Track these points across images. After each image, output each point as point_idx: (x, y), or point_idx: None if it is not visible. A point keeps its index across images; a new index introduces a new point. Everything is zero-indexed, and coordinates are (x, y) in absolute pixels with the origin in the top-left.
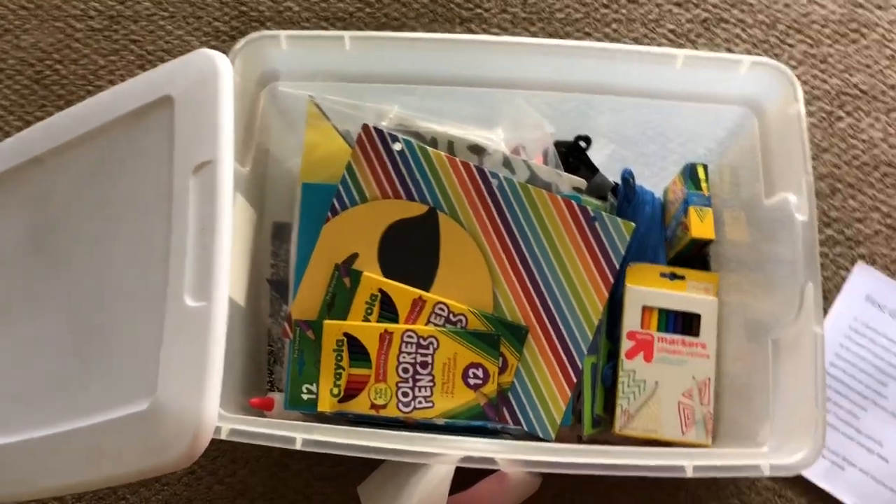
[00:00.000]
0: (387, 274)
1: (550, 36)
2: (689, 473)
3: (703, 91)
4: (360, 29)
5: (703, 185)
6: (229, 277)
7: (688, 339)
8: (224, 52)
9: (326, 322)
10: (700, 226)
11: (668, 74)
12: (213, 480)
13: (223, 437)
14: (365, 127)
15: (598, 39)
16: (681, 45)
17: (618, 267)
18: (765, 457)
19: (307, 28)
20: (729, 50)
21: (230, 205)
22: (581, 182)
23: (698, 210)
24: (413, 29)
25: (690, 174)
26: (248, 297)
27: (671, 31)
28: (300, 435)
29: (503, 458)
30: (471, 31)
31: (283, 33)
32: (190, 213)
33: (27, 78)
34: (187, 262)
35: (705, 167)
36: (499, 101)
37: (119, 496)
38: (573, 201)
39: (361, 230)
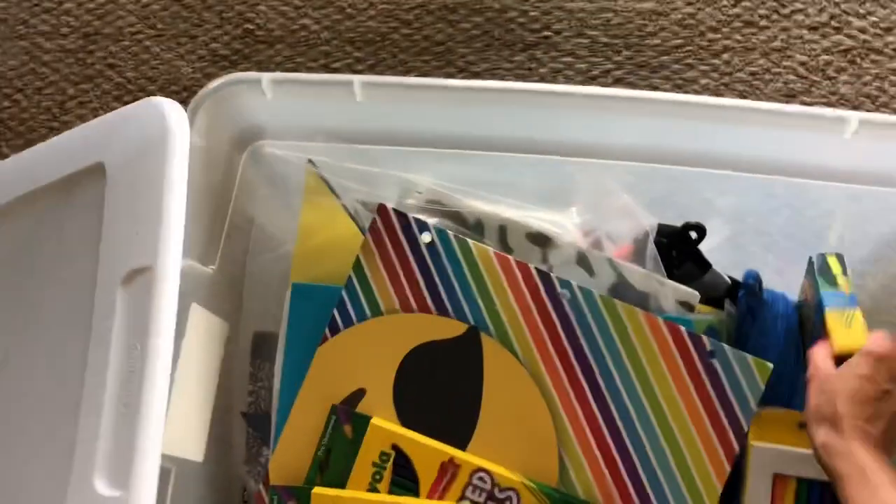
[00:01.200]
0: (405, 422)
1: (639, 67)
2: None
3: (878, 170)
4: (393, 56)
5: (841, 280)
6: (158, 457)
7: None
8: (175, 102)
9: (316, 491)
10: (846, 334)
11: (830, 146)
12: None
13: None
14: (381, 208)
15: (704, 73)
16: (814, 83)
17: (745, 428)
18: None
19: (328, 52)
20: (881, 90)
21: (170, 338)
22: (693, 295)
23: (839, 314)
24: (462, 56)
25: (820, 269)
26: (216, 438)
27: (802, 64)
28: None
29: None
30: (535, 60)
31: (265, 76)
32: (112, 345)
33: None
34: (103, 427)
35: (840, 258)
36: (573, 173)
37: None
38: (681, 327)
39: (372, 356)
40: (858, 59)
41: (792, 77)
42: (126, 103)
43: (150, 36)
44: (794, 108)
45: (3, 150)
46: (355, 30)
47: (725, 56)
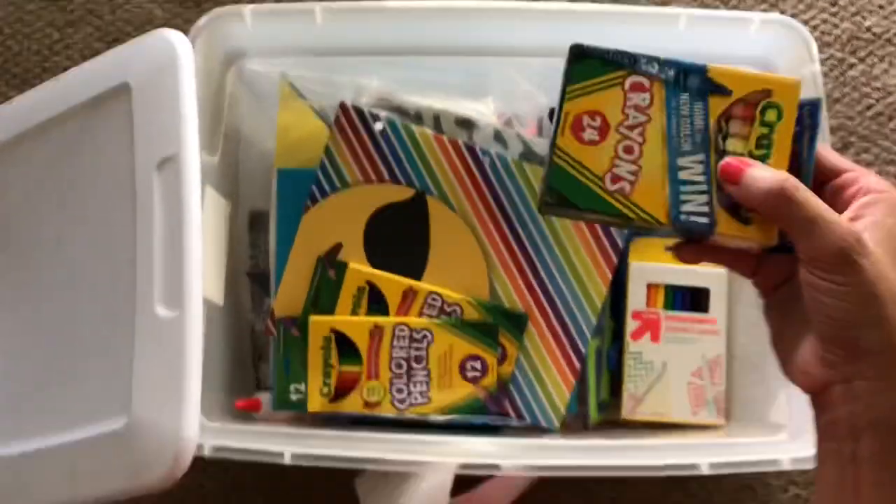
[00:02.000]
0: (374, 264)
1: None
2: (705, 471)
3: (710, 52)
4: None
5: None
6: (202, 282)
7: (697, 315)
8: (189, 19)
9: (312, 318)
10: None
11: (670, 36)
12: (205, 477)
13: (206, 454)
14: (342, 106)
15: None
16: None
17: (620, 245)
18: (784, 449)
19: None
20: None
21: (198, 202)
22: None
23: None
24: None
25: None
26: (227, 293)
27: None
28: (289, 449)
29: (508, 463)
30: None
31: (247, 9)
32: (155, 213)
33: None
34: (156, 269)
35: None
36: (488, 69)
37: None
38: None
39: (344, 218)
40: None
41: None
42: (107, 43)
43: None
44: (644, 8)
45: (2, 88)
46: None
47: None
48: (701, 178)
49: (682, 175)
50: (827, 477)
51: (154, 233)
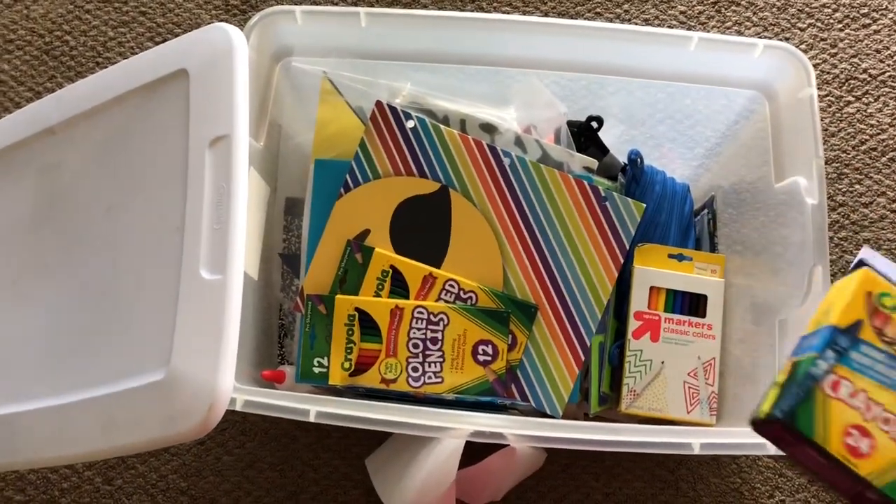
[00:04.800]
0: (398, 250)
1: (561, 16)
2: (697, 451)
3: (716, 74)
4: (372, 6)
5: None
6: (244, 251)
7: (694, 319)
8: (235, 26)
9: (338, 297)
10: None
11: (682, 56)
12: (223, 451)
13: (238, 408)
14: (378, 104)
15: (610, 20)
16: (691, 28)
17: (627, 247)
18: None
19: (320, 2)
20: (739, 33)
21: (245, 178)
22: (592, 162)
23: None
24: (425, 7)
25: None
26: (261, 270)
27: (682, 12)
28: (314, 407)
29: (513, 433)
30: (481, 10)
31: (298, 9)
32: (206, 186)
33: (37, 49)
34: (203, 235)
35: None
36: (511, 80)
37: (129, 465)
38: (584, 181)
39: (374, 206)
40: (723, 10)
41: (674, 22)
42: (157, 43)
43: None
44: (659, 29)
45: (58, 79)
46: None
47: (626, 6)
48: None
49: None
50: None
51: (203, 203)
